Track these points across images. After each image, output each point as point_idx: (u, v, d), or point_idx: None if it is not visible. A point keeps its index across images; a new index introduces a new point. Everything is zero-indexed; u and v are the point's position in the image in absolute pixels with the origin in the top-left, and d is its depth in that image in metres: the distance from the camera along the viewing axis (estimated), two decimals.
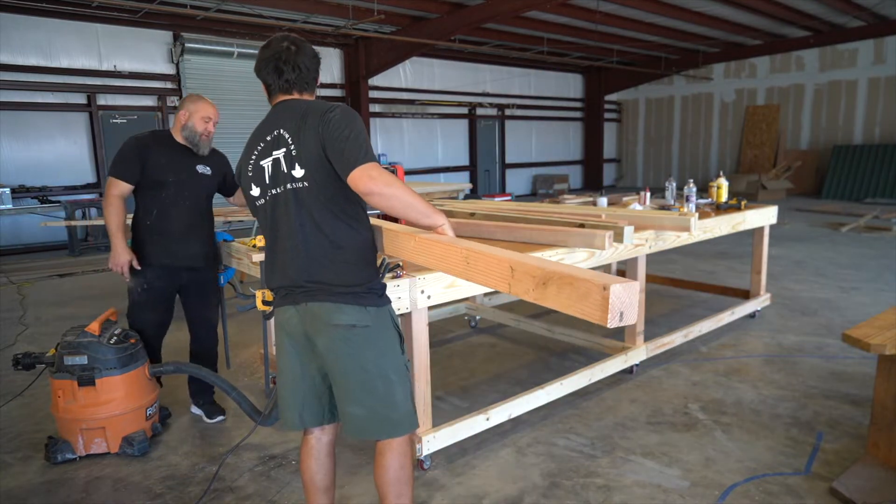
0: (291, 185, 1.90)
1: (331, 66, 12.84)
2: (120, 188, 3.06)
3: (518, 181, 17.21)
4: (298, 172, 1.88)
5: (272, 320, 2.19)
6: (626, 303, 1.38)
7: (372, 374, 1.93)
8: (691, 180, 4.65)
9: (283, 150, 1.91)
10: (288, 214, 1.92)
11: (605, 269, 6.10)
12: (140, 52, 10.33)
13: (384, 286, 2.04)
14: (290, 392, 2.06)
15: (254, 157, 1.99)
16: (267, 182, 1.95)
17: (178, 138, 3.19)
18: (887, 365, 2.56)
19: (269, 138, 1.95)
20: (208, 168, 3.26)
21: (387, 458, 2.00)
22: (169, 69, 10.66)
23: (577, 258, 3.24)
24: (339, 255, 1.92)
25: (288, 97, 2.00)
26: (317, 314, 1.93)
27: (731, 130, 17.32)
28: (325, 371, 2.03)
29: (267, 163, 1.95)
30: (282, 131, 1.92)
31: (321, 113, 1.87)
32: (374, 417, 1.96)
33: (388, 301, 2.03)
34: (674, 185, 4.82)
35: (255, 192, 1.99)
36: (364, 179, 1.79)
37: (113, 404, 2.94)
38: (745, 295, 5.10)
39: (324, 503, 2.15)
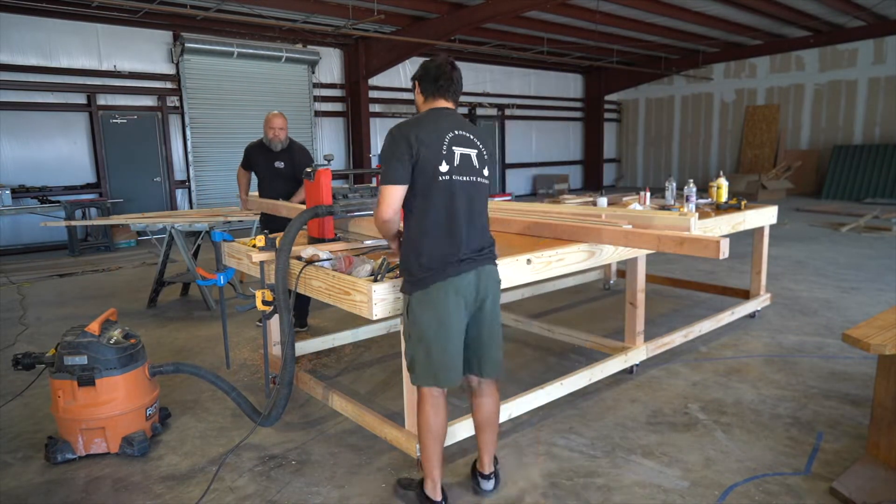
0: (479, 178, 2.44)
1: (331, 66, 12.84)
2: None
3: (518, 181, 17.20)
4: (486, 172, 2.47)
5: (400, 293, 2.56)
6: (724, 246, 2.81)
7: (500, 321, 2.54)
8: (691, 180, 4.65)
9: (476, 150, 2.43)
10: (471, 198, 2.41)
11: (606, 268, 6.10)
12: (140, 52, 10.33)
13: None
14: (456, 352, 2.41)
15: (447, 139, 2.38)
16: (454, 167, 2.37)
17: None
18: (887, 365, 2.56)
19: (451, 134, 2.39)
20: (282, 162, 4.86)
21: (496, 391, 2.57)
22: (169, 69, 10.66)
23: (577, 258, 3.27)
24: (488, 229, 2.50)
25: (446, 104, 2.48)
26: (490, 274, 2.45)
27: (731, 130, 17.32)
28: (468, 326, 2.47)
29: (458, 151, 2.39)
30: (468, 134, 2.43)
31: (485, 132, 2.56)
32: (500, 359, 2.53)
33: None
34: (674, 185, 4.82)
35: (444, 168, 2.36)
36: None
37: (113, 404, 2.94)
38: (745, 295, 5.10)
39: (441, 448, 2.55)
